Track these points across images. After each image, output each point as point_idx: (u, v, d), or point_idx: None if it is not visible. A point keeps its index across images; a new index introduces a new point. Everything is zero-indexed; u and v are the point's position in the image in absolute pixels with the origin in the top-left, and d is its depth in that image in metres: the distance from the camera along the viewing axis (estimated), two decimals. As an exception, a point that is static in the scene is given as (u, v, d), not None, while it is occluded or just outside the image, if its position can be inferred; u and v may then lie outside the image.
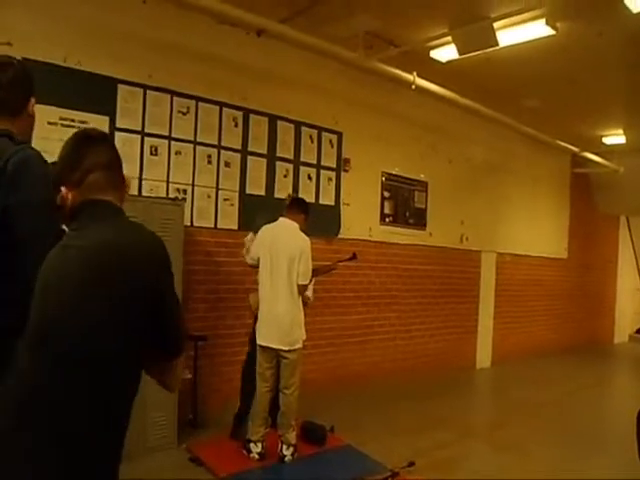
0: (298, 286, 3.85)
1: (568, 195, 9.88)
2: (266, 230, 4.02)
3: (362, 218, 6.23)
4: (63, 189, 1.33)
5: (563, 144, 8.42)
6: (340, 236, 5.97)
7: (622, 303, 11.59)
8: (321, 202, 5.76)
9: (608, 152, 9.10)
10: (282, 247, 3.86)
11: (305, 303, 4.03)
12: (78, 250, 1.26)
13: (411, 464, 3.81)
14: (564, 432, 5.18)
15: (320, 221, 5.46)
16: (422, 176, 6.91)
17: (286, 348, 3.81)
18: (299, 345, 3.86)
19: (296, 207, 4.10)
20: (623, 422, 5.73)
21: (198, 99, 4.86)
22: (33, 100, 1.78)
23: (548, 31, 4.81)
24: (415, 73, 5.70)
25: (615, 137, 8.44)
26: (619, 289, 11.42)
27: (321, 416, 4.51)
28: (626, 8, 4.27)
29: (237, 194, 5.14)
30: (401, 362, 6.66)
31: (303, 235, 3.92)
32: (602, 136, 8.51)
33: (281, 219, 4.04)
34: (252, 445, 3.87)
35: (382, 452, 4.04)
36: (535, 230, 9.07)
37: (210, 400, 4.82)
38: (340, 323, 5.98)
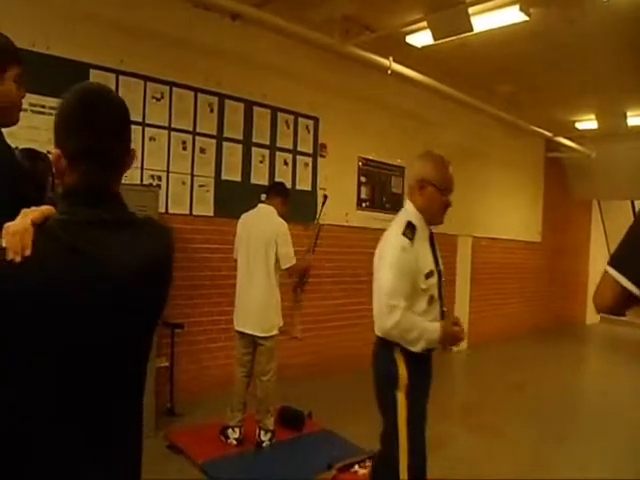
0: (287, 269, 3.87)
1: (542, 179, 10.02)
2: (243, 217, 4.06)
3: (339, 203, 6.23)
4: (56, 151, 1.09)
5: (537, 129, 8.53)
6: (317, 222, 5.97)
7: (594, 285, 11.80)
8: (298, 188, 5.76)
9: (581, 137, 9.24)
10: (257, 233, 3.87)
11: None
12: (102, 272, 1.03)
13: None
14: (540, 413, 5.32)
15: (297, 207, 5.45)
16: (399, 161, 6.93)
17: (261, 334, 3.83)
18: (275, 332, 3.88)
19: (273, 191, 4.11)
20: (596, 402, 5.97)
21: (172, 84, 4.80)
22: (13, 70, 1.60)
23: (522, 17, 4.85)
24: (391, 58, 5.70)
25: (587, 122, 8.56)
26: (591, 271, 11.65)
27: (299, 401, 4.55)
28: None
29: (213, 180, 5.11)
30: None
31: (279, 219, 3.92)
32: (575, 121, 8.64)
33: (259, 205, 4.05)
34: (230, 431, 3.91)
35: (361, 436, 4.07)
36: (510, 214, 9.19)
37: (188, 388, 4.83)
38: (318, 308, 6.01)
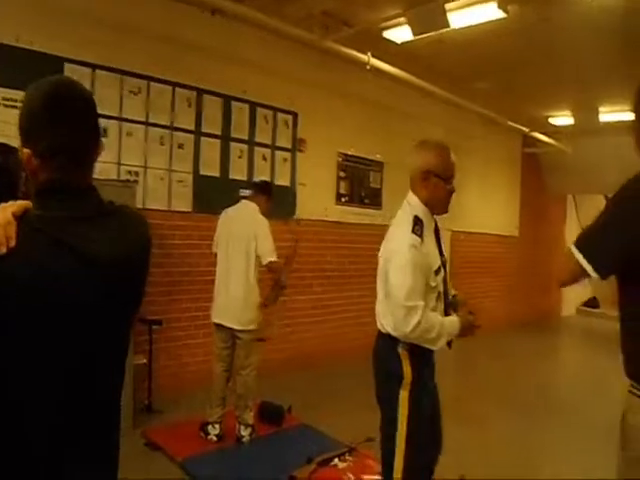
0: (268, 265, 3.84)
1: (519, 174, 10.14)
2: (225, 212, 4.06)
3: (318, 198, 6.25)
4: (26, 151, 1.08)
5: (514, 125, 8.64)
6: (296, 217, 5.99)
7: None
8: (277, 183, 5.74)
9: (557, 133, 9.38)
10: (238, 229, 3.87)
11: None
12: (88, 263, 1.03)
13: (369, 439, 3.84)
14: (520, 404, 5.41)
15: (275, 202, 5.44)
16: (378, 156, 6.96)
17: (239, 327, 3.83)
18: (253, 326, 3.88)
19: (259, 189, 4.12)
20: (574, 391, 6.09)
21: (150, 79, 4.74)
22: None
23: (499, 14, 4.88)
24: (370, 54, 5.71)
25: (564, 118, 8.70)
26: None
27: (279, 396, 4.56)
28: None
29: (191, 175, 5.07)
30: (358, 341, 6.76)
31: (259, 216, 3.91)
32: (551, 117, 8.76)
33: (242, 201, 4.06)
34: (210, 427, 3.90)
35: (340, 430, 4.11)
36: (488, 209, 9.30)
37: (166, 385, 4.81)
38: (297, 303, 6.02)
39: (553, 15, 5.04)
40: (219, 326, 3.91)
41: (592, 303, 12.19)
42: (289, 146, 5.94)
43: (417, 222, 2.26)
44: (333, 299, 6.49)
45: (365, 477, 3.49)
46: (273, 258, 3.85)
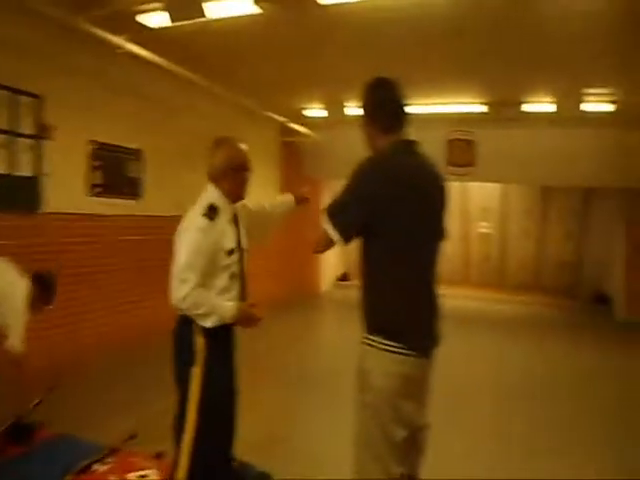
0: None
1: (279, 162, 10.71)
2: None
3: (69, 190, 5.76)
4: None
5: (273, 116, 9.08)
6: (42, 211, 5.43)
7: (326, 256, 13.19)
8: (17, 174, 5.12)
9: (312, 123, 10.13)
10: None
11: None
12: None
13: (132, 436, 3.75)
14: (284, 377, 5.87)
15: (14, 195, 4.89)
16: (136, 145, 6.68)
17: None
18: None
19: None
20: (337, 358, 6.65)
21: None
22: None
23: (255, 9, 4.99)
24: (124, 37, 5.40)
25: (318, 110, 9.41)
26: (323, 244, 12.90)
27: (34, 412, 4.14)
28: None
29: None
30: (122, 336, 6.49)
31: None
32: (305, 109, 9.41)
33: None
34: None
35: (103, 432, 3.92)
36: (253, 195, 9.61)
37: None
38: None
39: (300, 16, 5.33)
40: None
41: (344, 277, 13.61)
42: (33, 132, 5.32)
43: (210, 208, 2.51)
44: (90, 296, 6.06)
45: (129, 476, 3.40)
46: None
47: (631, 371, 6.81)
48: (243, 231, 2.74)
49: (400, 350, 2.12)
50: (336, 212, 2.21)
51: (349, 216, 2.20)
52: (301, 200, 3.18)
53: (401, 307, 2.18)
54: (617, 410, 5.29)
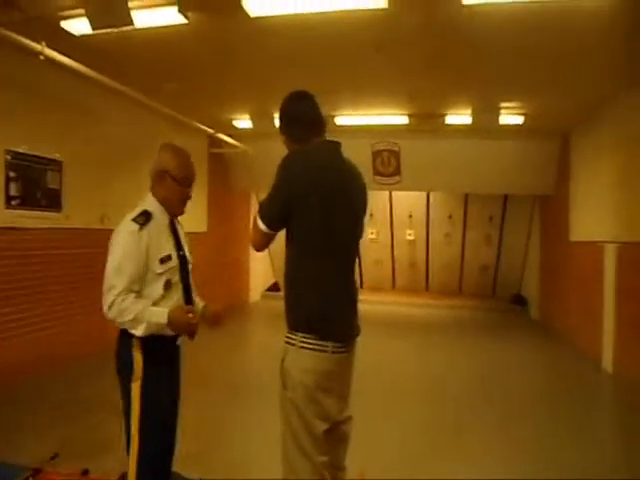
0: None
1: (206, 173, 10.50)
2: None
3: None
4: None
5: (200, 126, 8.93)
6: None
7: (255, 267, 13.11)
8: None
9: (241, 134, 10.03)
10: None
11: None
12: None
13: (54, 456, 3.57)
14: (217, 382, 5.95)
15: None
16: (57, 155, 6.33)
17: None
18: None
19: None
20: (265, 362, 6.65)
21: None
22: None
23: (180, 19, 4.92)
24: (44, 43, 5.11)
25: (244, 121, 9.33)
26: (252, 256, 12.79)
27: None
28: (243, 10, 4.71)
29: None
30: (43, 354, 6.09)
31: None
32: (233, 120, 9.32)
33: None
34: None
35: (25, 454, 3.69)
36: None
37: None
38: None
39: (229, 27, 5.29)
40: None
41: (275, 287, 13.55)
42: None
43: (142, 214, 2.45)
44: (11, 314, 5.67)
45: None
46: None
47: (543, 365, 7.58)
48: (185, 239, 2.73)
49: (318, 347, 2.23)
50: (264, 204, 2.37)
51: (273, 205, 2.33)
52: (213, 319, 2.94)
53: (319, 301, 2.27)
54: (533, 397, 5.93)
